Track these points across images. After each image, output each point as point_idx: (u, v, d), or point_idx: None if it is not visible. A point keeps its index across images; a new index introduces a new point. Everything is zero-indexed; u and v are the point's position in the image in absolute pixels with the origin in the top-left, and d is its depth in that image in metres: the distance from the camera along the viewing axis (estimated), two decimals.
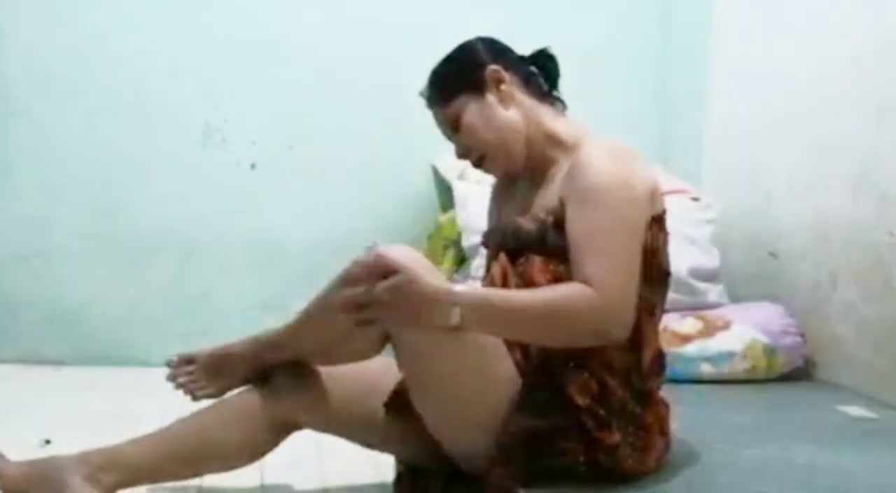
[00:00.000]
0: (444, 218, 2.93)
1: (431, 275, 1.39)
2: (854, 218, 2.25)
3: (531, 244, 1.46)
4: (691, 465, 1.54)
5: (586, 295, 1.34)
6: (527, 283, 1.45)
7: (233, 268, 3.08)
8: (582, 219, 1.40)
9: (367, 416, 1.57)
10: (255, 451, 1.59)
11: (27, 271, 3.00)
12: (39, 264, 3.01)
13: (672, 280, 1.57)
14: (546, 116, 1.58)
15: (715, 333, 2.36)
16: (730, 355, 2.32)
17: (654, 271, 1.49)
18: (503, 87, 1.56)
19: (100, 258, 3.02)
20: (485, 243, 1.68)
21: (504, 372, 1.43)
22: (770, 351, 2.33)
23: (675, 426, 1.56)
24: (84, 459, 1.52)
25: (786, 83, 2.59)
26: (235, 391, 1.62)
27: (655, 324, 1.53)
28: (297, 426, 1.60)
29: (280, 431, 1.59)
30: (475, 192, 2.61)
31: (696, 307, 2.48)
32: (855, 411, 2.01)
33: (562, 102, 1.64)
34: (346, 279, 1.43)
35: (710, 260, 2.60)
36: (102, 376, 2.85)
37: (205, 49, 3.05)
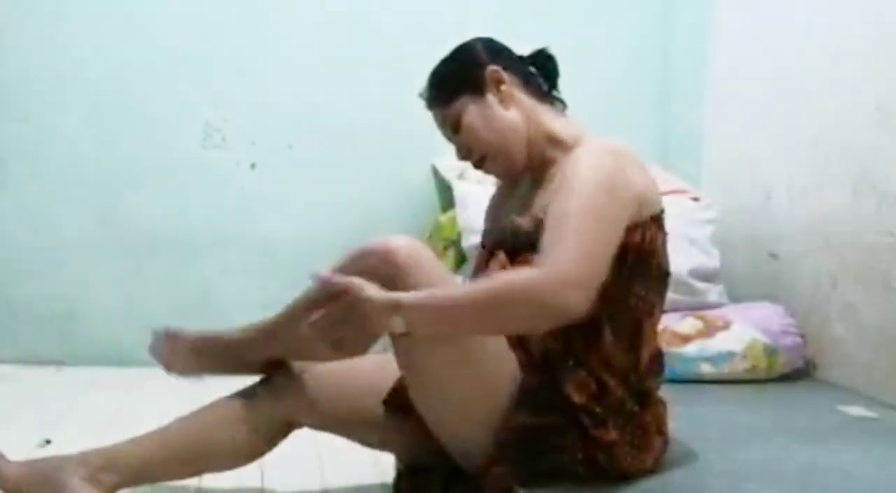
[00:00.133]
0: (444, 218, 2.93)
1: (429, 267, 1.39)
2: (854, 218, 2.25)
3: (529, 243, 1.46)
4: (690, 465, 1.54)
5: (534, 273, 1.33)
6: None
7: (232, 268, 3.09)
8: (557, 204, 1.40)
9: (366, 414, 1.57)
10: (254, 451, 1.59)
11: (27, 271, 3.00)
12: (39, 264, 3.01)
13: (672, 280, 1.57)
14: (546, 116, 1.58)
15: (715, 333, 2.35)
16: (730, 356, 2.32)
17: (654, 271, 1.49)
18: (503, 87, 1.56)
19: (100, 258, 3.02)
20: (483, 243, 1.68)
21: (504, 370, 1.43)
22: (770, 351, 2.33)
23: (674, 425, 1.56)
24: (84, 459, 1.52)
25: (786, 83, 2.59)
26: (234, 392, 1.61)
27: (654, 324, 1.53)
28: (297, 425, 1.61)
29: (280, 430, 1.59)
30: (475, 192, 2.61)
31: (696, 307, 2.48)
32: (855, 411, 2.01)
33: (562, 101, 1.64)
34: (307, 305, 1.45)
35: (711, 260, 2.60)
36: (102, 376, 2.85)
37: (205, 49, 3.06)
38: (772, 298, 2.54)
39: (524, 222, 1.49)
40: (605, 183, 1.39)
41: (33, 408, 2.44)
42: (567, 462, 1.41)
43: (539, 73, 1.63)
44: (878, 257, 2.16)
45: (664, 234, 1.51)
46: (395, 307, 1.32)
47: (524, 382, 1.43)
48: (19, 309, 3.00)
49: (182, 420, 1.58)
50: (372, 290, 1.33)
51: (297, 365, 1.60)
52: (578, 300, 1.32)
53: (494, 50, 1.60)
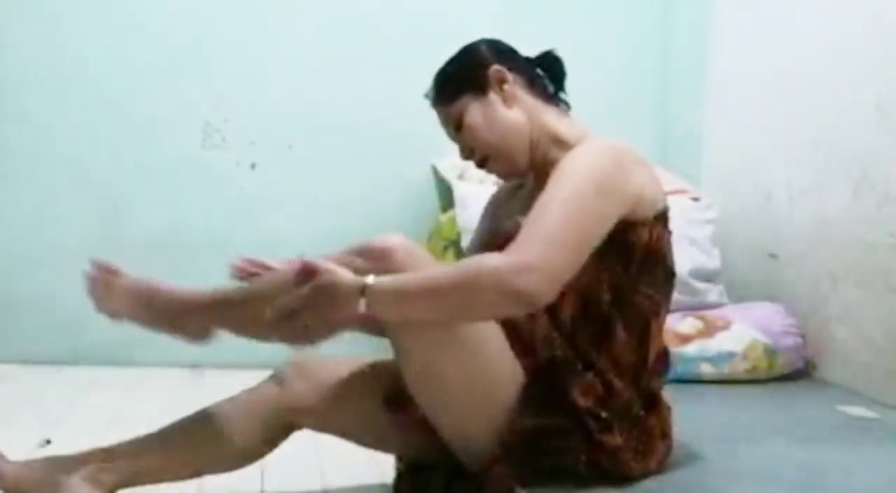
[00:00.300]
0: (444, 218, 2.93)
1: (419, 262, 1.38)
2: (854, 218, 2.25)
3: None
4: (691, 465, 1.54)
5: (495, 258, 1.31)
6: None
7: None
8: (543, 194, 1.39)
9: (367, 415, 1.57)
10: (255, 452, 1.59)
11: (27, 272, 3.00)
12: (39, 264, 3.01)
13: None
14: (550, 116, 1.58)
15: (715, 333, 2.36)
16: (730, 356, 2.32)
17: (661, 270, 1.49)
18: (506, 87, 1.56)
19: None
20: (484, 243, 1.68)
21: (507, 371, 1.43)
22: (770, 351, 2.33)
23: (674, 425, 1.56)
24: (84, 459, 1.52)
25: (786, 83, 2.59)
26: (235, 393, 1.61)
27: (661, 324, 1.53)
28: (298, 427, 1.60)
29: (281, 431, 1.59)
30: (475, 192, 2.61)
31: (696, 307, 2.48)
32: (855, 411, 2.01)
33: (566, 103, 1.64)
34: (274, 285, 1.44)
35: (711, 260, 2.60)
36: (102, 376, 2.85)
37: (205, 49, 3.06)
38: (772, 298, 2.54)
39: None
40: (596, 178, 1.38)
41: (33, 408, 2.44)
42: (570, 464, 1.41)
43: (545, 74, 1.63)
44: (878, 257, 2.16)
45: (669, 233, 1.52)
46: (361, 289, 1.31)
47: (528, 384, 1.43)
48: (19, 309, 3.00)
49: (182, 421, 1.57)
50: (342, 273, 1.32)
51: (297, 367, 1.59)
52: (540, 287, 1.30)
53: (499, 50, 1.60)
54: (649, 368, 1.49)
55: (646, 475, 1.45)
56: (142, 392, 2.67)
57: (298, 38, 3.11)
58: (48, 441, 2.04)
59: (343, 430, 1.62)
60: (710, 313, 2.45)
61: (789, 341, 2.36)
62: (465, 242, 2.69)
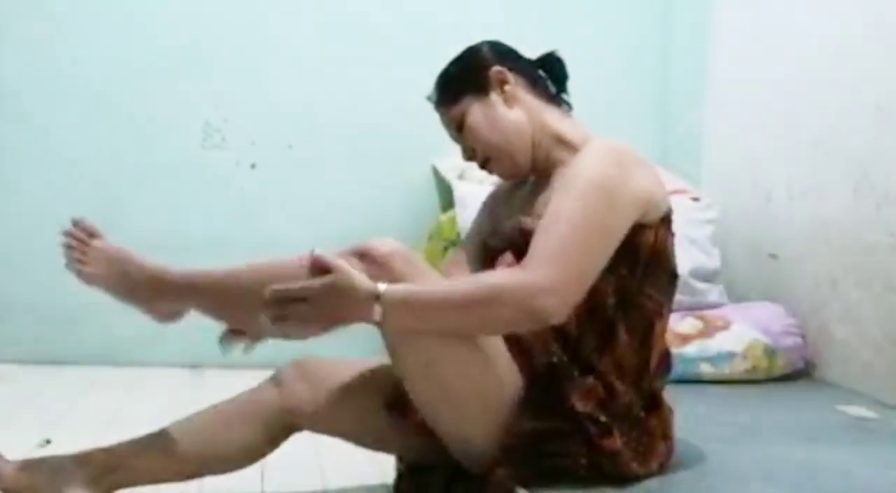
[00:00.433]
0: (444, 218, 2.93)
1: (416, 270, 1.38)
2: (854, 219, 2.25)
3: None
4: (691, 465, 1.54)
5: (516, 276, 1.33)
6: None
7: None
8: (553, 204, 1.40)
9: (368, 417, 1.57)
10: (255, 453, 1.59)
11: (27, 272, 3.00)
12: (39, 264, 3.00)
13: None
14: (552, 117, 1.58)
15: (714, 333, 2.36)
16: (730, 356, 2.32)
17: (664, 272, 1.49)
18: (507, 87, 1.56)
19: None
20: (484, 245, 1.67)
21: (505, 374, 1.42)
22: (770, 352, 2.33)
23: (675, 428, 1.56)
24: (83, 459, 1.52)
25: (786, 83, 2.59)
26: (235, 394, 1.61)
27: (664, 325, 1.53)
28: (298, 428, 1.60)
29: (281, 432, 1.59)
30: (475, 192, 2.61)
31: (696, 307, 2.48)
32: (855, 411, 2.01)
33: (568, 103, 1.64)
34: (275, 271, 1.42)
35: (711, 260, 2.60)
36: (102, 376, 2.85)
37: (205, 49, 3.06)
38: (772, 298, 2.54)
39: (532, 224, 1.49)
40: (605, 188, 1.39)
41: (33, 408, 2.44)
42: (570, 466, 1.41)
43: (547, 75, 1.63)
44: (878, 257, 2.16)
45: (672, 235, 1.52)
46: (376, 297, 1.31)
47: (527, 388, 1.43)
48: (19, 309, 3.00)
49: (182, 422, 1.57)
50: (358, 276, 1.32)
51: (297, 368, 1.59)
52: (557, 309, 1.32)
53: (501, 51, 1.60)
54: (651, 369, 1.49)
55: (647, 475, 1.45)
56: (142, 392, 2.67)
57: (298, 38, 3.11)
58: (48, 441, 2.04)
59: (343, 432, 1.62)
60: (710, 313, 2.45)
61: (789, 341, 2.36)
62: None
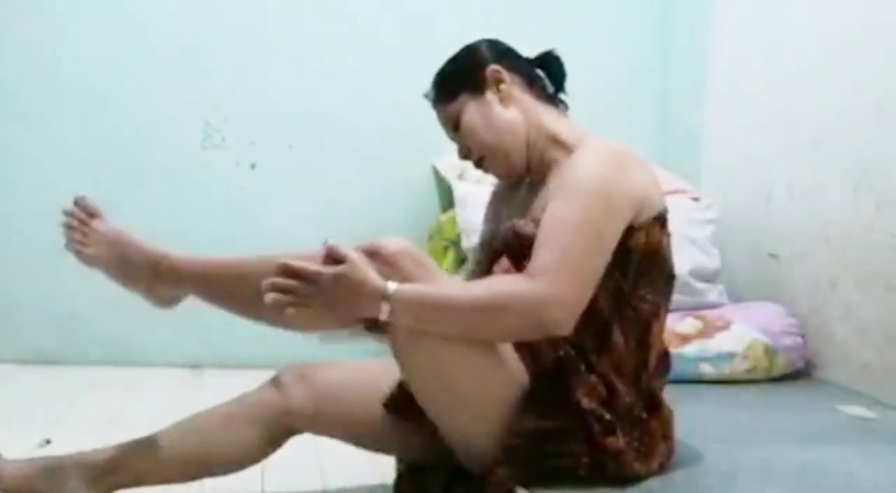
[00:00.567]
0: (444, 218, 2.94)
1: (424, 270, 1.38)
2: (854, 219, 2.25)
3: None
4: (691, 465, 1.54)
5: (523, 286, 1.33)
6: None
7: None
8: (552, 210, 1.40)
9: (368, 419, 1.57)
10: (255, 454, 1.59)
11: (27, 272, 3.00)
12: (39, 264, 3.01)
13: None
14: (548, 117, 1.58)
15: (714, 333, 2.35)
16: (730, 356, 2.31)
17: (659, 273, 1.49)
18: (503, 86, 1.56)
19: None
20: (483, 244, 1.68)
21: (510, 373, 1.42)
22: (770, 352, 2.33)
23: (675, 428, 1.56)
24: (83, 459, 1.52)
25: (786, 83, 2.59)
26: (236, 396, 1.61)
27: (661, 325, 1.53)
28: (298, 431, 1.60)
29: (280, 434, 1.59)
30: (475, 192, 2.61)
31: (696, 307, 2.48)
32: (855, 411, 2.01)
33: (564, 103, 1.64)
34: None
35: (711, 260, 2.60)
36: (102, 376, 2.85)
37: (205, 49, 3.06)
38: (772, 298, 2.54)
39: (527, 227, 1.49)
40: (603, 193, 1.39)
41: (33, 408, 2.44)
42: (572, 466, 1.41)
43: (546, 75, 1.63)
44: (878, 257, 2.16)
45: (668, 235, 1.51)
46: (385, 295, 1.32)
47: (532, 386, 1.43)
48: (19, 309, 3.00)
49: (183, 423, 1.57)
50: (370, 272, 1.33)
51: (297, 370, 1.59)
52: (565, 321, 1.34)
53: (498, 50, 1.60)
54: (650, 370, 1.49)
55: (648, 475, 1.45)
56: (142, 392, 2.67)
57: (299, 38, 3.11)
58: (48, 441, 2.05)
59: (342, 433, 1.62)
60: (709, 314, 2.45)
61: (789, 341, 2.36)
62: (465, 242, 2.69)
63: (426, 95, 1.63)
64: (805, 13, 2.52)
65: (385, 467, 1.79)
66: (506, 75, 1.57)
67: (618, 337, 1.44)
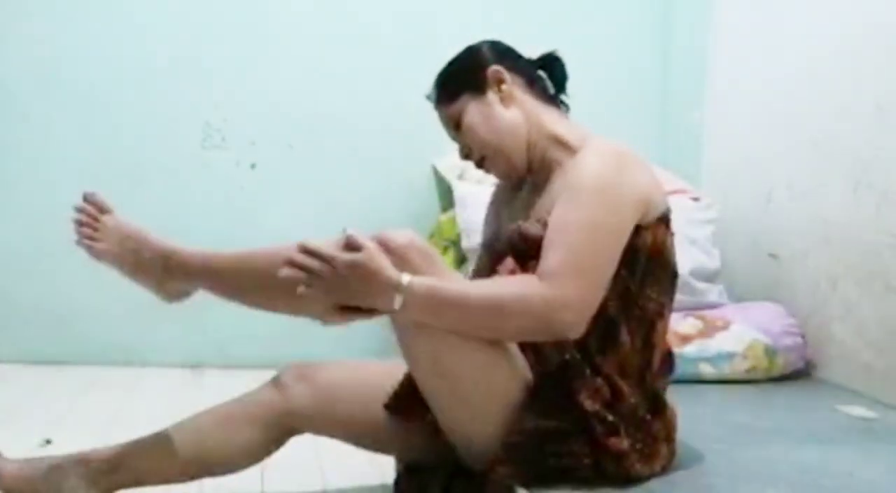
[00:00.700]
0: (444, 218, 2.94)
1: (431, 262, 1.39)
2: (854, 219, 2.25)
3: (540, 248, 1.44)
4: (691, 465, 1.54)
5: (536, 288, 1.34)
6: None
7: None
8: (559, 213, 1.40)
9: (368, 419, 1.57)
10: (255, 455, 1.59)
11: (27, 271, 3.00)
12: (39, 264, 3.01)
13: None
14: (549, 117, 1.58)
15: (714, 333, 2.35)
16: (730, 356, 2.31)
17: (664, 272, 1.49)
18: (504, 87, 1.56)
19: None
20: (486, 246, 1.68)
21: (516, 372, 1.42)
22: (771, 352, 2.33)
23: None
24: (83, 459, 1.52)
25: (785, 83, 2.59)
26: (236, 397, 1.61)
27: (665, 325, 1.53)
28: (299, 431, 1.60)
29: (281, 434, 1.59)
30: (475, 192, 2.61)
31: (696, 307, 2.48)
32: (855, 411, 2.01)
33: (565, 104, 1.64)
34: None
35: (711, 260, 2.60)
36: (102, 376, 2.85)
37: (205, 49, 3.06)
38: (772, 298, 2.54)
39: (533, 228, 1.49)
40: (609, 194, 1.40)
41: (33, 408, 2.44)
42: (574, 467, 1.41)
43: (547, 76, 1.63)
44: (878, 257, 2.16)
45: (671, 234, 1.52)
46: (398, 286, 1.32)
47: (536, 385, 1.43)
48: (19, 309, 3.00)
49: (183, 423, 1.57)
50: (386, 262, 1.34)
51: (297, 370, 1.59)
52: (577, 323, 1.35)
53: (500, 51, 1.61)
54: (654, 369, 1.49)
55: (650, 477, 1.45)
56: (142, 392, 2.67)
57: (299, 38, 3.11)
58: (48, 441, 2.05)
59: (343, 433, 1.62)
60: (710, 313, 2.45)
61: (789, 341, 2.36)
62: (465, 242, 2.69)
63: (428, 96, 1.64)
64: (805, 13, 2.52)
65: (385, 467, 1.79)
66: (507, 76, 1.57)
67: (625, 337, 1.45)
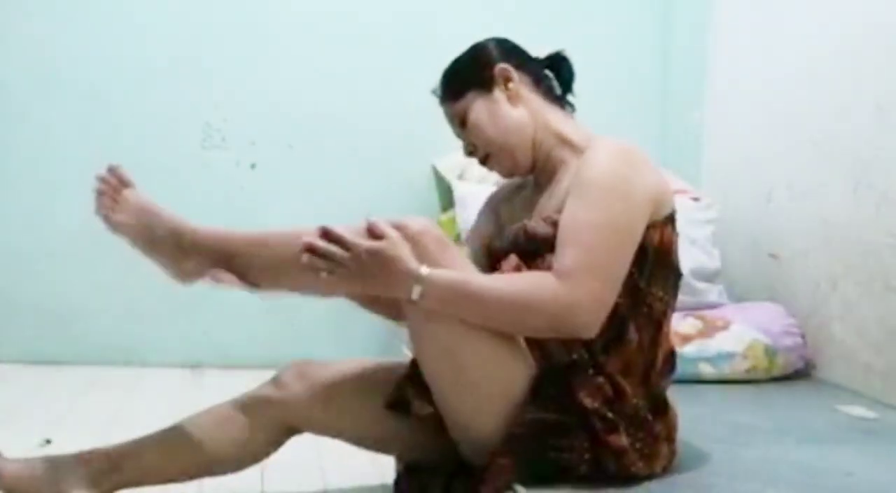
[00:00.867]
0: (444, 218, 2.94)
1: (445, 249, 1.39)
2: (854, 219, 2.25)
3: (548, 247, 1.44)
4: (691, 465, 1.54)
5: (553, 287, 1.34)
6: None
7: None
8: (572, 211, 1.40)
9: (368, 418, 1.57)
10: (255, 454, 1.59)
11: (27, 271, 3.00)
12: (39, 263, 3.01)
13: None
14: (555, 117, 1.58)
15: (714, 333, 2.35)
16: (730, 356, 2.31)
17: (669, 272, 1.49)
18: (511, 85, 1.56)
19: (99, 258, 3.02)
20: (488, 247, 1.67)
21: (522, 364, 1.42)
22: (771, 352, 2.33)
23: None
24: (83, 459, 1.52)
25: (785, 83, 2.59)
26: (237, 396, 1.61)
27: (669, 324, 1.53)
28: (299, 431, 1.60)
29: (281, 434, 1.59)
30: (475, 192, 2.61)
31: (696, 307, 2.48)
32: (855, 411, 2.01)
33: (570, 105, 1.64)
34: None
35: (711, 261, 2.60)
36: (102, 376, 2.85)
37: (205, 49, 3.06)
38: (772, 298, 2.54)
39: (539, 227, 1.48)
40: (621, 191, 1.40)
41: (33, 408, 2.44)
42: (573, 462, 1.40)
43: (554, 75, 1.63)
44: (878, 257, 2.16)
45: (677, 234, 1.52)
46: (418, 277, 1.33)
47: (539, 381, 1.43)
48: (19, 309, 3.01)
49: (183, 423, 1.57)
50: (407, 251, 1.35)
51: (297, 369, 1.59)
52: (592, 323, 1.36)
53: (507, 49, 1.61)
54: (657, 369, 1.49)
55: (650, 477, 1.45)
56: (142, 392, 2.67)
57: (298, 38, 3.11)
58: (48, 441, 2.05)
59: (343, 433, 1.62)
60: (710, 313, 2.45)
61: (789, 341, 2.36)
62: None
63: (434, 92, 1.64)
64: (805, 13, 2.52)
65: (385, 467, 1.79)
66: (514, 74, 1.57)
67: (632, 335, 1.44)
